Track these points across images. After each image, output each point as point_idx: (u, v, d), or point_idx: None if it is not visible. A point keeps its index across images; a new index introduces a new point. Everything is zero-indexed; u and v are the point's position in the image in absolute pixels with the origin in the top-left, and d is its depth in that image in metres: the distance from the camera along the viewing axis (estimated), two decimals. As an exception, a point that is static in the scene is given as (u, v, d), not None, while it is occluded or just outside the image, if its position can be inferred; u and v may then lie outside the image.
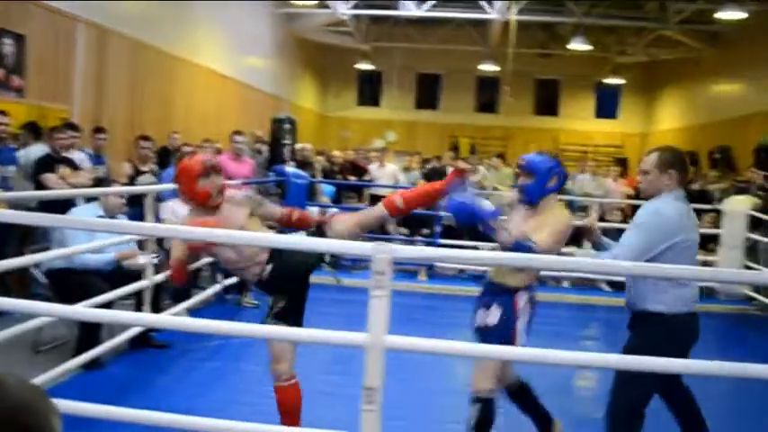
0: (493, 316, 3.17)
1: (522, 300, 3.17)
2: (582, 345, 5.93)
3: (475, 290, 8.08)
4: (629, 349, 3.02)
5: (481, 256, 2.79)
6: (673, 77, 16.79)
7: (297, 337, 2.84)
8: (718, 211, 7.48)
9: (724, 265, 7.03)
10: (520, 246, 2.95)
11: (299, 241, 2.83)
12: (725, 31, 13.18)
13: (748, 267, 6.91)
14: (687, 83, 15.88)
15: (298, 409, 3.21)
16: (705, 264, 7.60)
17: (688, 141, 14.45)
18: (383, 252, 2.35)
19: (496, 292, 3.24)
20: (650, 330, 3.00)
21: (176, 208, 6.06)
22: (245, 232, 2.93)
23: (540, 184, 3.17)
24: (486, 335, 3.17)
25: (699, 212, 7.95)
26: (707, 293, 7.80)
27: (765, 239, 7.21)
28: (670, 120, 16.97)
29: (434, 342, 2.49)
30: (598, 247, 3.30)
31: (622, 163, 13.30)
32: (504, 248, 3.04)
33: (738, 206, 7.13)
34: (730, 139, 11.42)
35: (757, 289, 7.15)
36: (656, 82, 18.12)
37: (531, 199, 3.21)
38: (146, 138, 6.89)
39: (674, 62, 15.98)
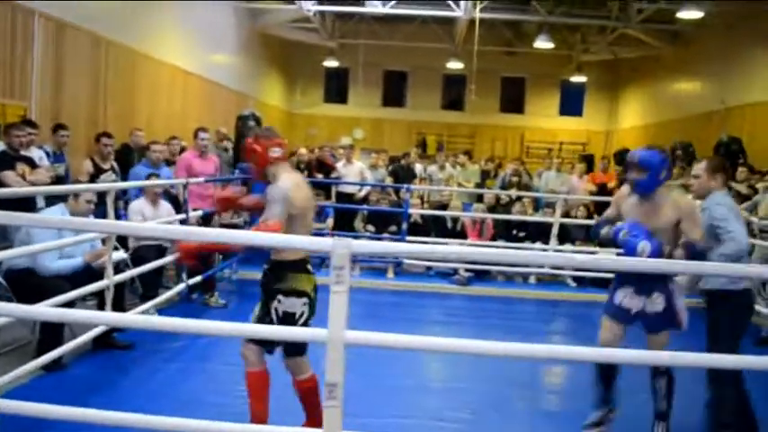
0: (659, 303, 3.60)
1: (672, 282, 3.61)
2: (551, 340, 5.99)
3: (442, 287, 8.13)
4: (715, 323, 3.75)
5: (442, 250, 2.79)
6: (635, 75, 17.07)
7: (259, 333, 2.80)
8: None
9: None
10: (694, 254, 3.42)
11: (254, 237, 2.78)
12: (684, 29, 13.45)
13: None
14: (649, 81, 16.16)
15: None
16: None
17: (650, 138, 14.70)
18: (342, 247, 2.33)
19: (650, 279, 3.58)
20: (731, 305, 3.71)
21: (144, 209, 5.96)
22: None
23: (654, 178, 3.54)
24: (654, 320, 3.63)
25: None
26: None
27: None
28: (633, 117, 17.26)
29: (394, 336, 2.49)
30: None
31: (587, 160, 13.50)
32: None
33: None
34: (691, 136, 11.65)
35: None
36: (620, 80, 18.41)
37: (647, 192, 3.58)
38: (107, 135, 6.76)
39: (637, 60, 16.25)
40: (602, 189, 9.52)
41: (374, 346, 2.55)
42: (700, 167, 3.91)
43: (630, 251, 3.46)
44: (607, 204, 9.67)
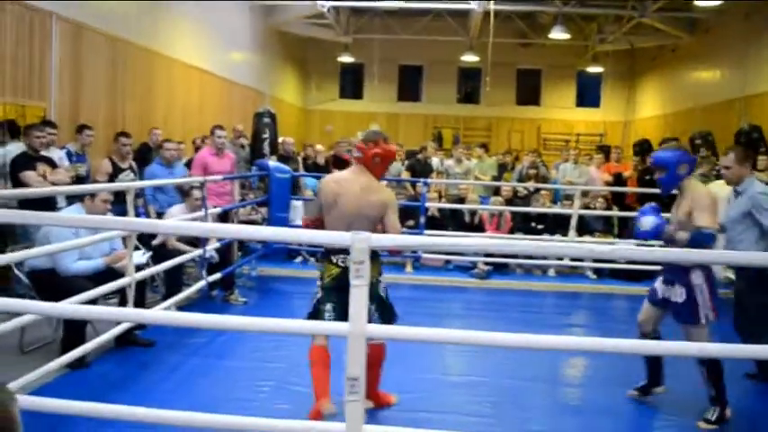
0: (679, 294, 3.79)
1: (697, 277, 3.72)
2: (572, 332, 5.96)
3: (461, 280, 8.11)
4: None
5: (461, 242, 2.78)
6: (653, 65, 16.87)
7: (282, 328, 2.81)
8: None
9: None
10: (696, 239, 3.61)
11: (274, 233, 2.79)
12: (701, 17, 13.27)
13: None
14: (667, 70, 15.97)
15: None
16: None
17: (669, 128, 14.55)
18: (361, 241, 2.33)
19: (675, 270, 3.81)
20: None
21: (179, 215, 5.97)
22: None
23: (672, 174, 3.84)
24: (677, 310, 3.83)
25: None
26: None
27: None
28: (651, 106, 17.07)
29: (414, 330, 2.48)
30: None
31: (604, 151, 13.37)
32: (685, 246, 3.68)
33: (718, 190, 7.17)
34: (711, 125, 11.51)
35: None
36: (637, 70, 18.20)
37: (669, 188, 3.91)
38: (125, 134, 6.81)
39: (654, 49, 16.06)
40: (619, 179, 9.44)
41: (394, 339, 2.56)
42: (729, 159, 4.44)
43: (637, 228, 3.87)
44: (624, 195, 9.61)
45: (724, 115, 11.98)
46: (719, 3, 11.05)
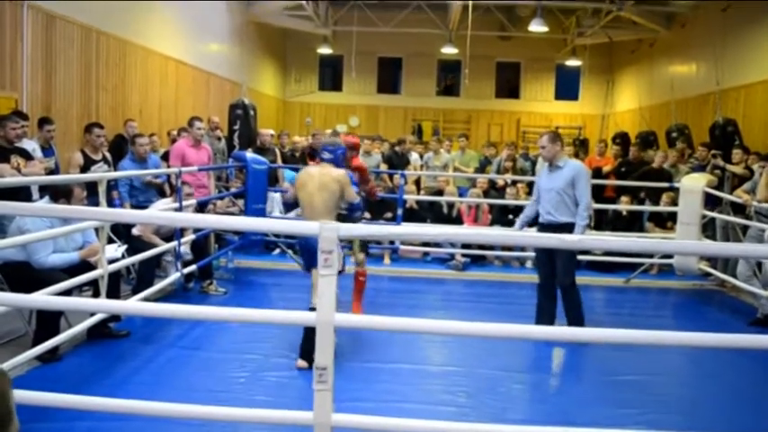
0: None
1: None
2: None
3: (438, 272, 8.15)
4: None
5: (429, 231, 2.78)
6: (630, 58, 16.99)
7: (252, 317, 2.80)
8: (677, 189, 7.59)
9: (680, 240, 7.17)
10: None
11: (245, 222, 2.78)
12: (679, 11, 13.38)
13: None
14: (644, 63, 16.09)
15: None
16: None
17: (646, 121, 14.68)
18: (329, 230, 2.32)
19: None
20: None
21: (160, 207, 5.91)
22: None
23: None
24: None
25: (658, 191, 8.13)
26: (664, 270, 7.97)
27: (720, 215, 7.36)
28: (629, 100, 17.21)
29: (382, 319, 2.49)
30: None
31: (583, 144, 13.48)
32: None
33: (694, 183, 7.25)
34: (687, 118, 11.65)
35: (714, 264, 7.31)
36: (615, 63, 18.33)
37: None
38: (98, 125, 6.70)
39: (632, 43, 16.18)
40: (598, 173, 9.50)
41: (362, 328, 2.56)
42: (544, 139, 5.42)
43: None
44: (601, 188, 9.68)
45: (699, 108, 12.12)
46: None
